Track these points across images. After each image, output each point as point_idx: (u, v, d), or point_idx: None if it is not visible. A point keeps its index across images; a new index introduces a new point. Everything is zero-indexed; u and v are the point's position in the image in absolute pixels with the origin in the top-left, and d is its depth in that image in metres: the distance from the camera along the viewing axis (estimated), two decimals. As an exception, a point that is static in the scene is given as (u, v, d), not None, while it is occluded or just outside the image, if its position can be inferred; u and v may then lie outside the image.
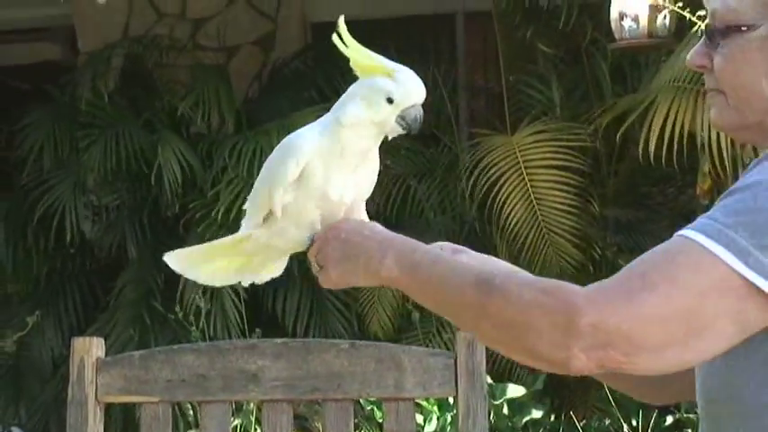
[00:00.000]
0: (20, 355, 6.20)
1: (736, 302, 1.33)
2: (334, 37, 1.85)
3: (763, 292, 1.32)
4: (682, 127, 4.92)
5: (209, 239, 5.83)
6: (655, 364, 1.36)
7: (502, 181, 5.58)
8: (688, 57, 1.51)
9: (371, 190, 1.89)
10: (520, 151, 5.59)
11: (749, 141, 1.59)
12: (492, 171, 5.60)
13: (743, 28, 1.43)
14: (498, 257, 5.48)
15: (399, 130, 1.80)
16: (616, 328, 1.33)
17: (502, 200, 5.58)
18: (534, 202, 5.57)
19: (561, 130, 5.67)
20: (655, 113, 5.02)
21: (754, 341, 1.37)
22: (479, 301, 1.44)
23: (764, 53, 1.42)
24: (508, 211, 5.56)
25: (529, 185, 5.57)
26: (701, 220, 1.36)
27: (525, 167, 5.58)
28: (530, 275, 1.53)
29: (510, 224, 5.56)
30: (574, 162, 5.62)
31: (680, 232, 1.37)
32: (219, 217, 5.53)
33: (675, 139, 4.92)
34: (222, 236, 6.11)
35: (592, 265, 5.66)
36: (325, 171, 1.83)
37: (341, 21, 1.83)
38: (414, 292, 1.57)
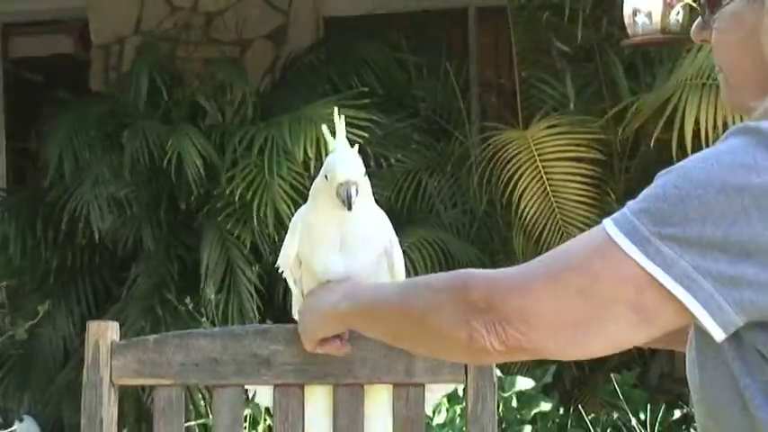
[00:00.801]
0: (32, 344, 6.24)
1: (634, 291, 1.29)
2: (325, 128, 1.99)
3: (662, 284, 1.28)
4: (714, 121, 4.95)
5: (229, 230, 5.80)
6: (554, 344, 1.33)
7: (518, 174, 5.60)
8: (691, 31, 1.50)
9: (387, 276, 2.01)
10: (535, 145, 5.60)
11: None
12: (508, 165, 5.62)
13: (724, 2, 1.41)
14: (514, 251, 5.46)
15: (341, 205, 1.90)
16: (503, 301, 1.33)
17: (519, 193, 5.60)
18: (551, 195, 5.59)
19: (575, 124, 5.69)
20: (684, 110, 5.05)
21: (720, 357, 1.33)
22: (399, 306, 1.49)
23: (739, 29, 1.39)
24: (525, 204, 5.58)
25: (545, 178, 5.59)
26: (623, 208, 1.34)
27: (541, 161, 5.60)
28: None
29: (526, 217, 5.58)
30: (589, 154, 5.64)
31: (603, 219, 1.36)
32: (236, 208, 5.56)
33: (709, 135, 4.94)
34: (240, 228, 6.03)
35: None
36: (309, 245, 1.94)
37: (336, 114, 1.97)
38: (361, 322, 1.65)
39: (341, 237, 1.94)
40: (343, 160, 1.92)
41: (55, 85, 6.63)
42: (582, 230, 5.48)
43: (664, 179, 1.32)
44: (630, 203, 1.33)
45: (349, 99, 5.82)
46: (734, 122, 4.84)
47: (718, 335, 1.29)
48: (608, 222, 1.33)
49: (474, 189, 5.96)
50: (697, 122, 5.03)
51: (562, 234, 5.54)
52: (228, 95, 6.03)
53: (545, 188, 5.60)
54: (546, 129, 5.68)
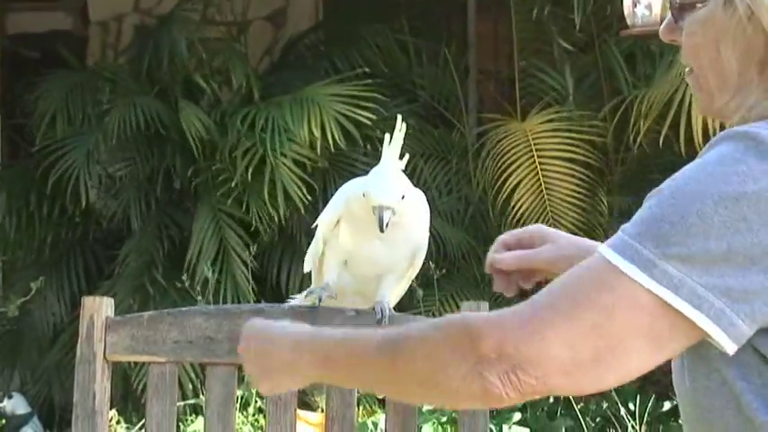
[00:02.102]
0: (22, 321, 6.23)
1: (647, 318, 1.25)
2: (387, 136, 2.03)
3: (672, 306, 1.24)
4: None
5: (224, 211, 5.76)
6: (570, 385, 1.29)
7: (514, 167, 5.62)
8: (660, 30, 1.47)
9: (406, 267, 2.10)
10: (533, 139, 5.62)
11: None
12: (504, 157, 5.63)
13: (698, 5, 1.38)
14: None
15: (375, 223, 1.95)
16: (516, 348, 1.26)
17: (512, 186, 5.61)
18: (544, 191, 5.60)
19: (573, 120, 5.70)
20: (690, 104, 5.07)
21: (713, 364, 1.32)
22: (388, 364, 1.38)
23: (710, 32, 1.36)
24: (518, 197, 5.60)
25: (540, 174, 5.61)
26: (617, 233, 1.30)
27: (537, 156, 5.61)
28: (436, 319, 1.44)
29: (518, 212, 5.59)
30: (584, 154, 5.66)
31: (598, 248, 1.30)
32: (239, 184, 5.56)
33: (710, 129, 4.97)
34: (233, 207, 6.01)
35: None
36: (351, 235, 2.06)
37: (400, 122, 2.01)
38: (337, 380, 1.57)
39: (393, 228, 1.99)
40: (382, 184, 1.95)
41: (52, 61, 6.62)
42: (570, 230, 5.55)
43: (657, 199, 1.29)
44: (627, 228, 1.29)
45: (350, 81, 5.83)
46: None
47: (731, 348, 1.27)
48: (607, 251, 1.28)
49: (469, 177, 5.96)
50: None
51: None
52: (225, 77, 6.02)
53: (539, 184, 5.61)
54: (544, 123, 5.69)
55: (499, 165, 5.64)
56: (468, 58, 6.83)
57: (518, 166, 5.61)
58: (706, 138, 5.12)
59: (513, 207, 5.61)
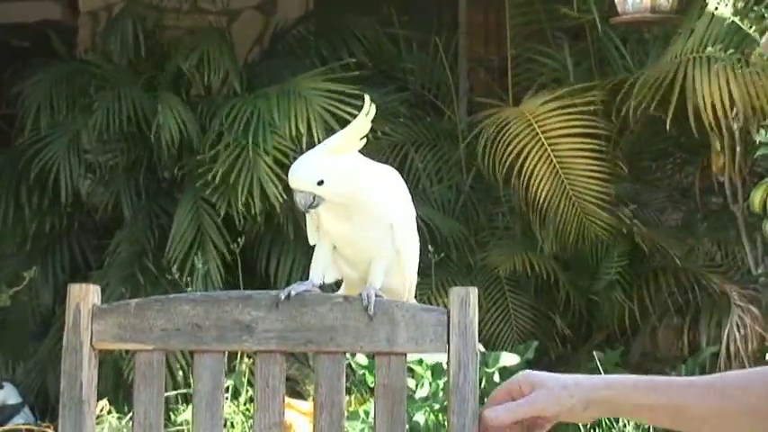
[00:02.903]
0: (12, 310, 6.21)
1: None
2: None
3: None
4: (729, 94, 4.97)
5: (205, 201, 5.76)
6: None
7: (525, 152, 5.59)
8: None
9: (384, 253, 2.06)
10: (536, 122, 5.59)
11: None
12: (513, 142, 5.61)
13: None
14: (498, 227, 5.36)
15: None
16: None
17: (528, 171, 5.59)
18: (559, 170, 5.58)
19: (574, 95, 5.68)
20: (694, 83, 5.06)
21: None
22: None
23: None
24: (535, 181, 5.59)
25: (552, 156, 5.58)
26: None
27: (545, 137, 5.59)
28: None
29: (539, 196, 5.57)
30: (592, 126, 5.63)
31: None
32: (217, 178, 5.54)
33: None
34: (217, 199, 5.99)
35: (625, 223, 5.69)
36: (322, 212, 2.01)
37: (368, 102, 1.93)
38: None
39: (346, 211, 1.96)
40: (298, 167, 1.91)
41: (42, 51, 6.60)
42: (596, 205, 5.51)
43: None
44: None
45: (338, 71, 5.80)
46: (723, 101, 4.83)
47: None
48: None
49: (461, 165, 5.96)
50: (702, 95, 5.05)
51: (577, 210, 5.54)
52: (213, 68, 5.99)
53: (551, 163, 5.58)
54: (544, 104, 5.67)
55: (505, 151, 5.61)
56: (459, 46, 6.81)
57: (529, 151, 5.59)
58: (700, 124, 5.11)
59: (536, 191, 5.59)
